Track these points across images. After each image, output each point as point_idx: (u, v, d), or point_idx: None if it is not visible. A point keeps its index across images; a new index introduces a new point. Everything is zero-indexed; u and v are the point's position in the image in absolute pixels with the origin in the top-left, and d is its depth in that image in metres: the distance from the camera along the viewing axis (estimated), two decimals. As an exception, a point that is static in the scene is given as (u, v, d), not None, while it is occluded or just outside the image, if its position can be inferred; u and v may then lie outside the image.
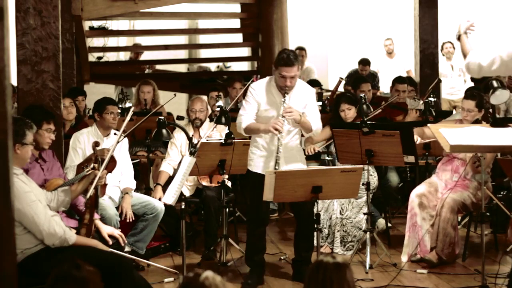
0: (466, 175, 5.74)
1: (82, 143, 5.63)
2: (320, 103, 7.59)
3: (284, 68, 4.95)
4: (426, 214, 5.66)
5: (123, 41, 12.48)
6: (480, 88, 6.68)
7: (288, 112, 4.93)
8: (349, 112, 6.30)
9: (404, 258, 5.70)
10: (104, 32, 10.40)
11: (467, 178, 5.74)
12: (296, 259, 5.38)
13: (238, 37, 11.34)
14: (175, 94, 6.59)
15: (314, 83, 7.95)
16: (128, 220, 5.51)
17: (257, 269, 5.27)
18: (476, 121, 5.68)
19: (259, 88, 5.13)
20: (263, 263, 5.35)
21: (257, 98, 5.11)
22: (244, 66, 12.37)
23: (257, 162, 5.15)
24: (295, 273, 5.35)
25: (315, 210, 4.92)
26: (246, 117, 5.08)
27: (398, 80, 7.88)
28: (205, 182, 6.10)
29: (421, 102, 7.71)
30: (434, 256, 5.57)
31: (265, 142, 5.13)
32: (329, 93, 9.25)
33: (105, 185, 5.02)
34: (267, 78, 5.21)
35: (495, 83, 4.65)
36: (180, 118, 7.69)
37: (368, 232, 5.55)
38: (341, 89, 9.28)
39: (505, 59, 4.20)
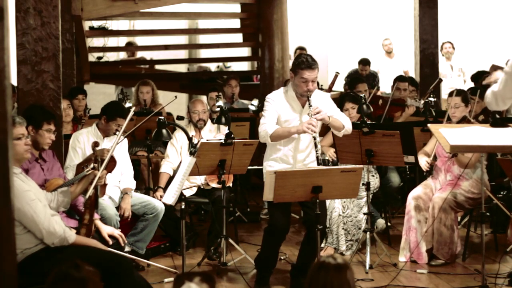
0: (460, 173, 5.70)
1: (82, 142, 5.62)
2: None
3: (306, 71, 4.90)
4: (422, 217, 5.65)
5: (123, 41, 12.48)
6: (480, 88, 6.68)
7: (317, 112, 4.82)
8: (353, 111, 6.27)
9: (401, 260, 5.70)
10: (104, 32, 10.40)
11: (462, 176, 5.70)
12: (297, 265, 5.13)
13: (238, 37, 11.34)
14: (175, 96, 6.59)
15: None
16: (124, 216, 5.48)
17: (269, 274, 5.15)
18: (464, 119, 5.67)
19: (276, 99, 5.01)
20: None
21: (276, 108, 4.97)
22: (244, 66, 12.38)
23: None
24: (293, 283, 5.11)
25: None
26: (269, 125, 4.91)
27: (399, 79, 7.96)
28: (214, 184, 6.10)
29: (422, 102, 7.72)
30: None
31: (284, 155, 5.01)
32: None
33: (105, 185, 5.02)
34: (282, 89, 5.11)
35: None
36: (180, 118, 7.69)
37: (368, 232, 5.55)
38: (338, 85, 9.26)
39: (508, 70, 4.16)
